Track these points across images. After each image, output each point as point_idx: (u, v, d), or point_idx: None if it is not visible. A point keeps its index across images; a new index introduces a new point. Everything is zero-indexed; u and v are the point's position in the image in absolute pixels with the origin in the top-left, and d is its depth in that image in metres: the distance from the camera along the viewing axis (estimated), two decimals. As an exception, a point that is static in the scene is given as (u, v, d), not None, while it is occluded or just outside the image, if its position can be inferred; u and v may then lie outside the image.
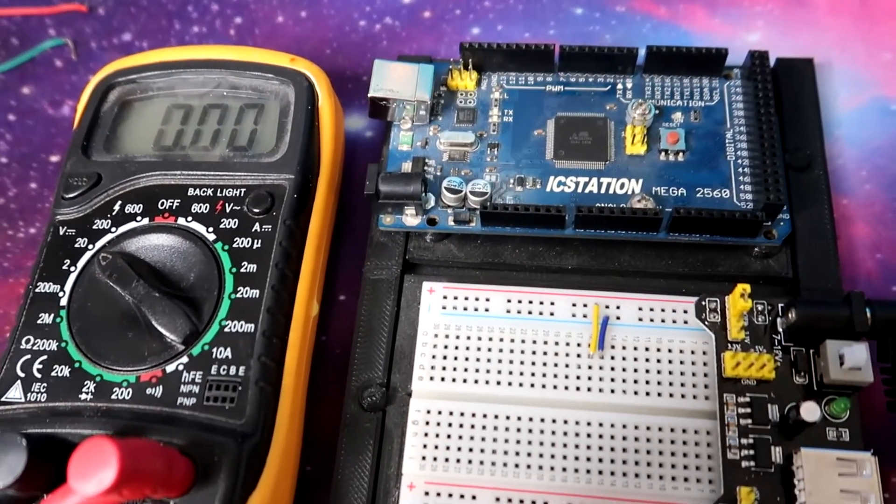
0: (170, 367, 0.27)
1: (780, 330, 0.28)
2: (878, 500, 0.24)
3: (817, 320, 0.26)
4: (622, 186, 0.31)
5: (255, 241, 0.29)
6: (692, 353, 0.28)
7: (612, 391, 0.28)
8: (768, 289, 0.30)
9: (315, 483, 0.30)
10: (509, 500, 0.27)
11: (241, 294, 0.28)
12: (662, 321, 0.29)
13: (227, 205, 0.30)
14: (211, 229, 0.29)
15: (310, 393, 0.31)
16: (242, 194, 0.30)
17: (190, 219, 0.30)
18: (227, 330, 0.27)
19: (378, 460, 0.28)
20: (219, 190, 0.30)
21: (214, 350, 0.27)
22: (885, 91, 0.35)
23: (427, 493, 0.27)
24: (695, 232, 0.30)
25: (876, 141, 0.34)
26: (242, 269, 0.28)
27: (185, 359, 0.27)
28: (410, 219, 0.32)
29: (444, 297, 0.30)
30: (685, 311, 0.29)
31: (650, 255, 0.31)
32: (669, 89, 0.33)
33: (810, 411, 0.25)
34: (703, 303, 0.28)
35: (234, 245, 0.29)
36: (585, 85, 0.34)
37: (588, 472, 0.27)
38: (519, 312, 0.29)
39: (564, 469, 0.27)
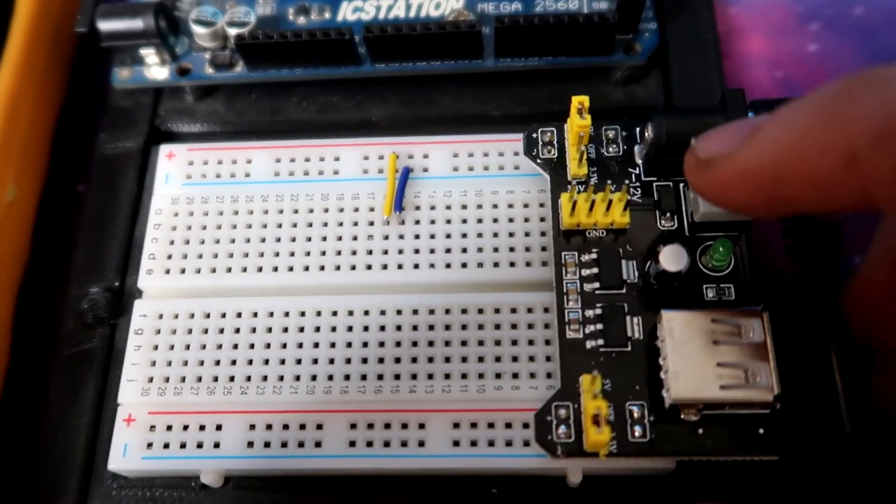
0: None
1: (639, 162, 0.20)
2: (771, 372, 0.16)
3: (684, 133, 0.18)
4: (437, 7, 0.24)
5: None
6: (524, 206, 0.20)
7: (416, 266, 0.20)
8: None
9: (29, 432, 0.21)
10: (268, 427, 0.19)
11: None
12: (485, 168, 0.21)
13: None
14: None
15: (23, 314, 0.22)
16: None
17: None
18: None
19: (103, 392, 0.20)
20: None
21: None
22: None
23: (153, 428, 0.19)
24: (532, 54, 0.22)
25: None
26: None
27: None
28: (155, 70, 0.24)
29: (190, 164, 0.22)
30: (515, 154, 0.21)
31: (479, 95, 0.23)
32: None
33: (673, 257, 0.17)
34: (535, 135, 0.20)
35: None
36: None
37: (380, 377, 0.19)
38: (291, 175, 0.21)
39: (347, 377, 0.19)
